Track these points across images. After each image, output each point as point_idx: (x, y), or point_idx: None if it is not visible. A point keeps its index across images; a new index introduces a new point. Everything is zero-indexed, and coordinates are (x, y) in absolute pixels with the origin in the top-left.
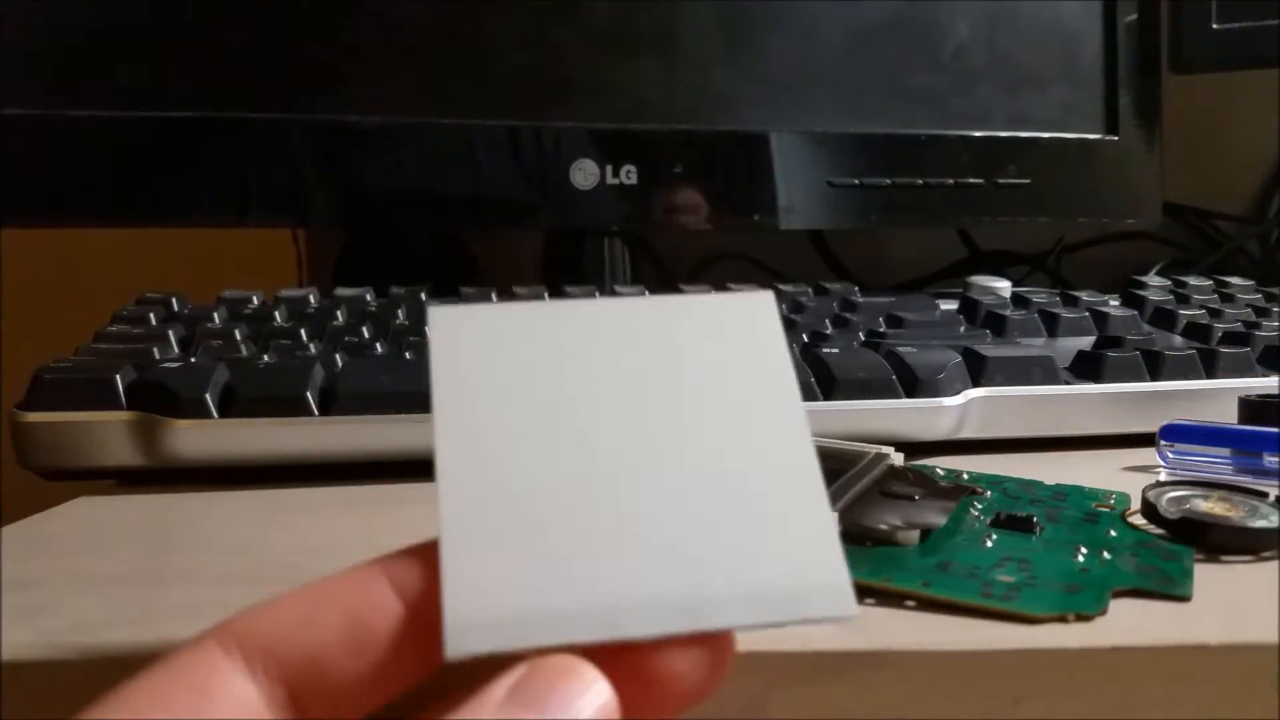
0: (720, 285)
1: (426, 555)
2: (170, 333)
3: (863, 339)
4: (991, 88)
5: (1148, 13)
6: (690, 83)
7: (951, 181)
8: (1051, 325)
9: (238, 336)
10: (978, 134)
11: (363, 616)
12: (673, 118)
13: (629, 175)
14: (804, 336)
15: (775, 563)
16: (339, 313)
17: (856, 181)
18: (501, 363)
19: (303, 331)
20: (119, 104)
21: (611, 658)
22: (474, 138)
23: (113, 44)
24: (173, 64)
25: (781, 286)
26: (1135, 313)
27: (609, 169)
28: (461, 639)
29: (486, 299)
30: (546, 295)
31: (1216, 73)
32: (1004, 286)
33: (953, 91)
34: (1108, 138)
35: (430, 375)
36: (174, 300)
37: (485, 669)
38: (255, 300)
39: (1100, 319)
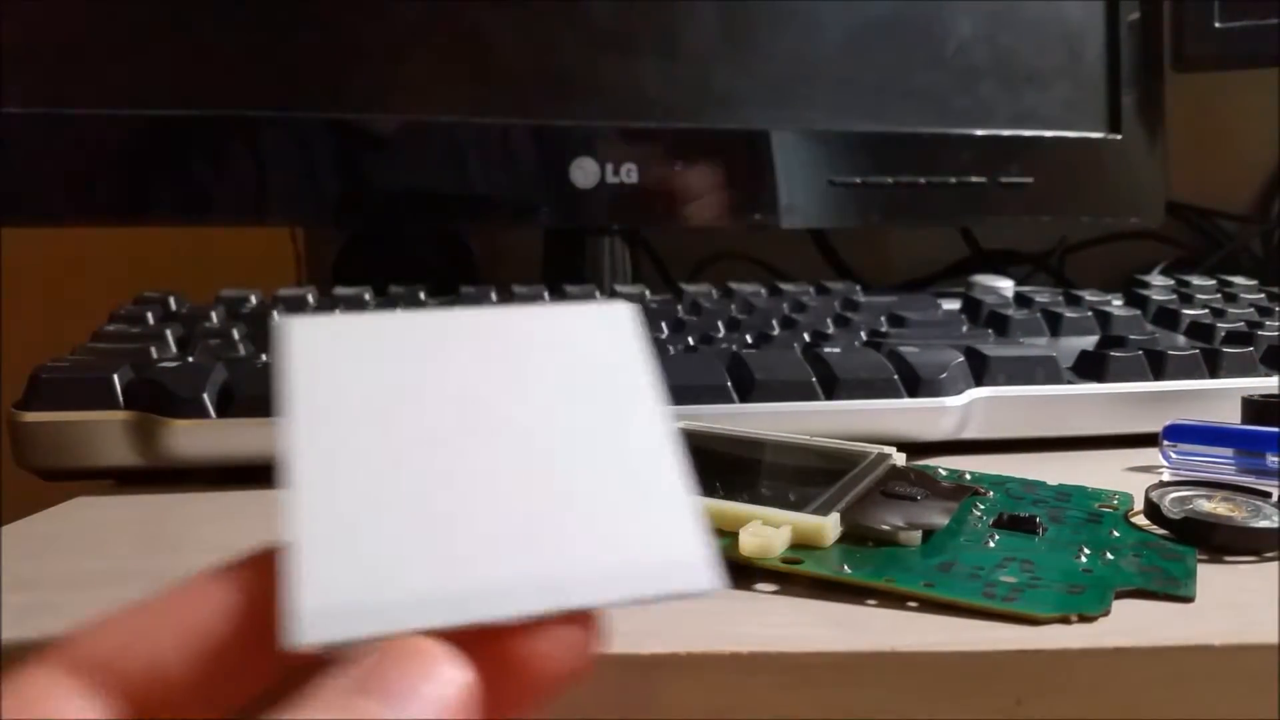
0: (721, 284)
1: (269, 558)
2: (168, 332)
3: (864, 338)
4: (994, 86)
5: (1150, 11)
6: (691, 81)
7: (953, 180)
8: (1054, 325)
9: (236, 336)
10: (980, 132)
11: (202, 623)
12: (673, 116)
13: (629, 174)
14: (805, 336)
15: (637, 543)
16: (338, 312)
17: (858, 180)
18: (354, 371)
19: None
20: (118, 103)
21: (471, 643)
22: (473, 136)
23: (112, 43)
24: (172, 62)
25: (783, 285)
26: (1138, 312)
27: (609, 168)
28: (306, 628)
29: (486, 298)
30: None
31: (1219, 71)
32: (1007, 286)
33: (955, 90)
34: (1110, 136)
35: (282, 384)
36: (172, 300)
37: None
38: (253, 300)
39: (1103, 319)
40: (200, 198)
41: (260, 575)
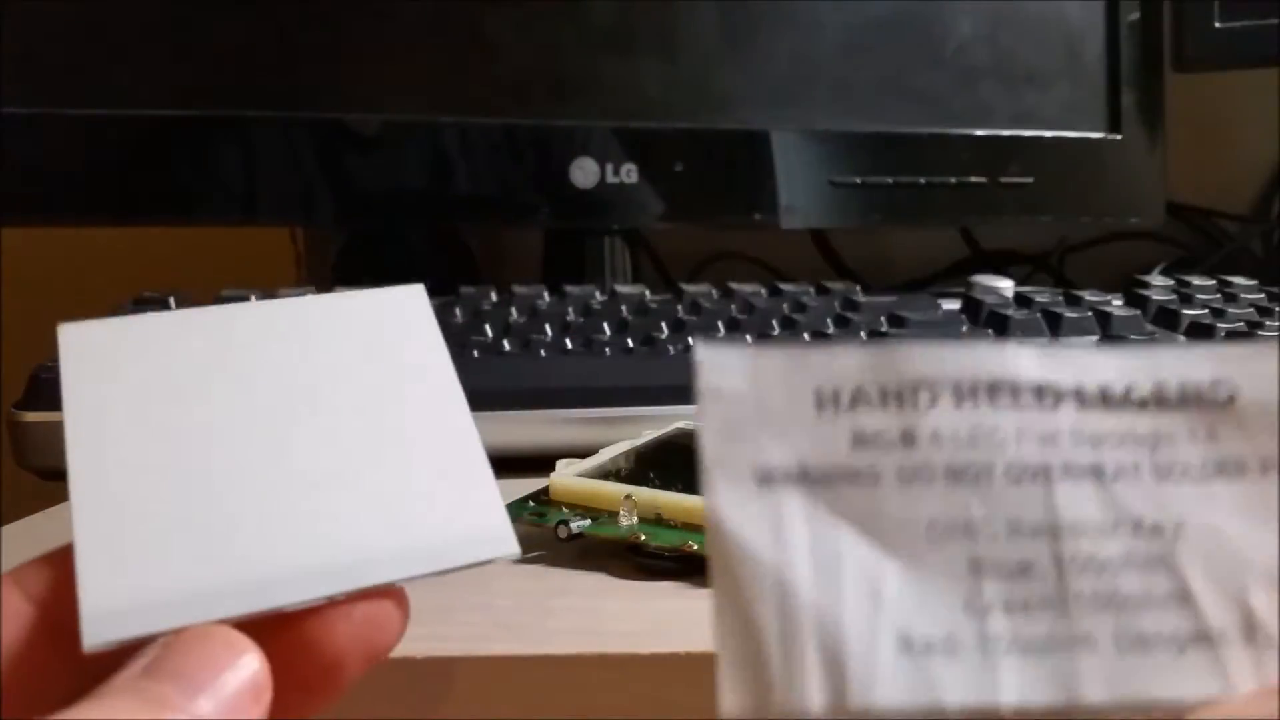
0: (721, 284)
1: (59, 560)
2: None
3: (865, 339)
4: (994, 86)
5: (1150, 11)
6: (691, 81)
7: (953, 180)
8: (1054, 325)
9: None
10: (980, 133)
11: None
12: (673, 116)
13: (629, 174)
14: (806, 336)
15: (435, 519)
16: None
17: (858, 180)
18: (133, 372)
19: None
20: (117, 102)
21: (265, 633)
22: (473, 136)
23: (111, 42)
24: (172, 62)
25: (783, 286)
26: (1138, 312)
27: (609, 167)
28: (100, 628)
29: (486, 298)
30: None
31: (1219, 71)
32: (1006, 286)
33: (955, 90)
34: (1110, 136)
35: (61, 389)
36: (172, 300)
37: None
38: (253, 299)
39: (1103, 319)
40: (200, 197)
41: (50, 578)
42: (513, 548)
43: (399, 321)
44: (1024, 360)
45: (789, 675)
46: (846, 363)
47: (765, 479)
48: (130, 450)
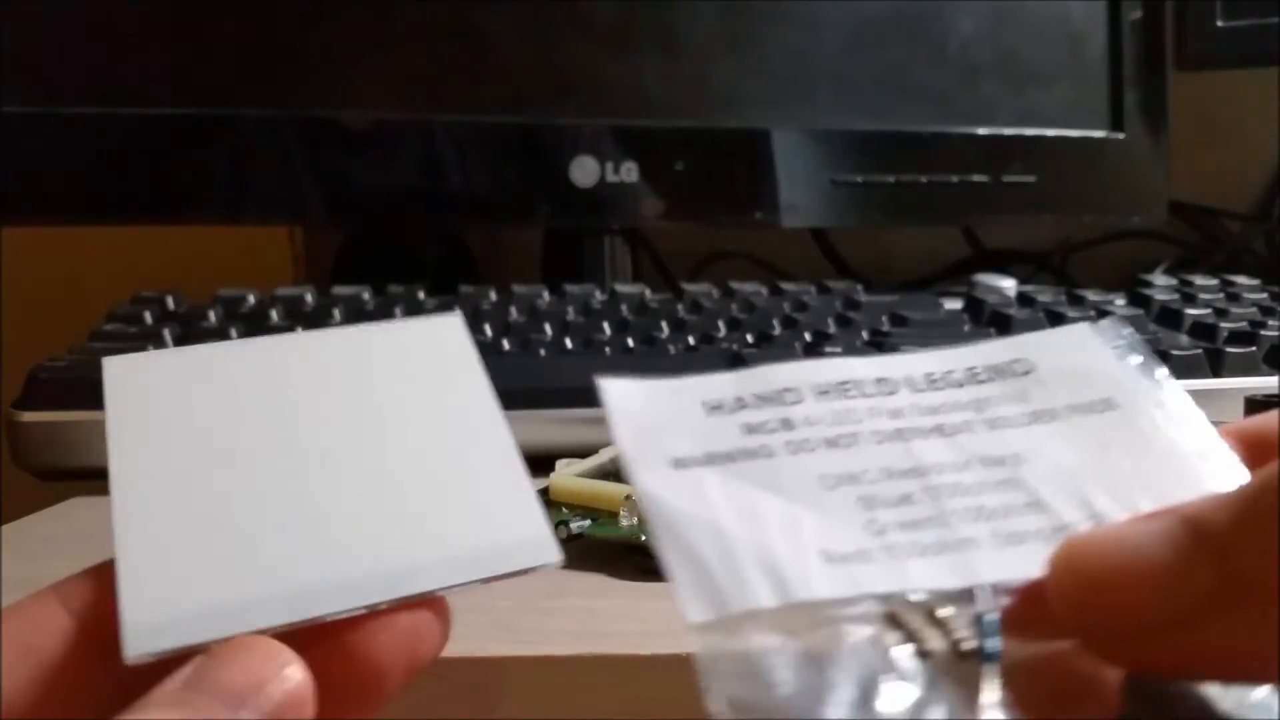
0: (722, 283)
1: (100, 574)
2: (165, 331)
3: (866, 338)
4: (996, 84)
5: (1153, 10)
6: (691, 79)
7: (956, 179)
8: (1057, 325)
9: (234, 335)
10: (982, 131)
11: (32, 642)
12: (673, 114)
13: (629, 173)
14: (807, 336)
15: (476, 530)
16: (335, 311)
17: (859, 179)
18: (175, 398)
19: (300, 330)
20: (115, 101)
21: (307, 644)
22: (473, 134)
23: (109, 41)
24: (170, 61)
25: (784, 285)
26: (1141, 312)
27: (609, 166)
28: (141, 639)
29: (485, 297)
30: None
31: (1222, 70)
32: (1009, 285)
33: (957, 88)
34: (1113, 135)
35: (105, 419)
36: (169, 298)
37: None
38: (251, 299)
39: (1106, 318)
40: (197, 196)
41: (91, 592)
42: (555, 555)
43: (438, 347)
44: (860, 365)
45: (738, 582)
46: (724, 381)
47: (679, 464)
48: (172, 468)
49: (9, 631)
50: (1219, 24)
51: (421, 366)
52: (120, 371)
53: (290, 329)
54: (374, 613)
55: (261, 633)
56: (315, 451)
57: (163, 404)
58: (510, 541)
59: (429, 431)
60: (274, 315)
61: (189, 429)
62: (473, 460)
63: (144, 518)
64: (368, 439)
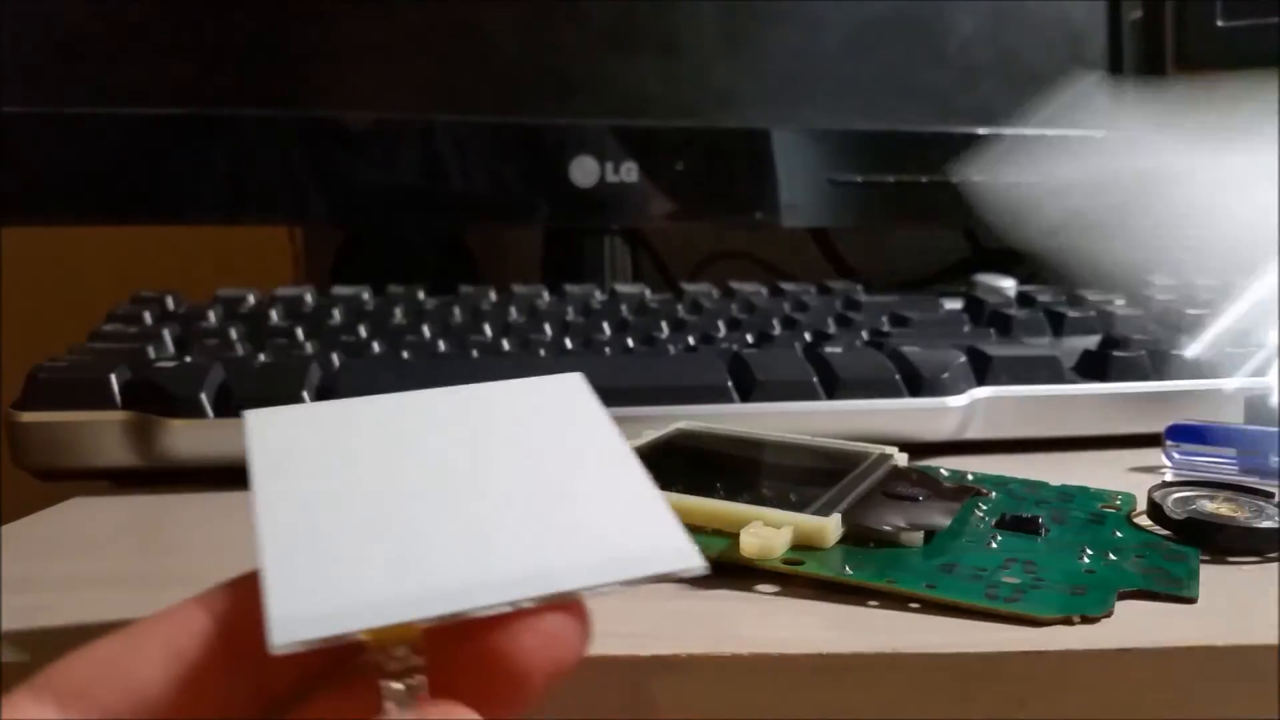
0: (722, 283)
1: (244, 584)
2: (165, 332)
3: (866, 338)
4: (996, 84)
5: (1153, 10)
6: (691, 79)
7: (956, 179)
8: (1057, 325)
9: (233, 335)
10: (981, 131)
11: (179, 646)
12: (673, 114)
13: (629, 173)
14: (807, 336)
15: (618, 538)
16: (335, 312)
17: (859, 179)
18: (320, 441)
19: (299, 330)
20: (115, 101)
21: (454, 644)
22: (472, 134)
23: (109, 41)
24: (169, 61)
25: (784, 285)
26: (1141, 312)
27: (609, 166)
28: (287, 629)
29: (485, 297)
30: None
31: (1222, 71)
32: (1009, 285)
33: (957, 88)
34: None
35: (249, 464)
36: (169, 299)
37: None
38: (251, 299)
39: (1106, 318)
40: (197, 196)
41: (235, 598)
42: (697, 560)
43: (563, 397)
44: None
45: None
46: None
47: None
48: (316, 489)
49: (157, 633)
50: (1219, 24)
51: (551, 411)
52: (260, 422)
53: (290, 329)
54: (518, 614)
55: (408, 625)
56: (455, 473)
57: (303, 446)
58: (651, 548)
59: (564, 458)
60: (274, 315)
61: (330, 461)
62: (607, 481)
63: (288, 528)
64: (505, 463)
